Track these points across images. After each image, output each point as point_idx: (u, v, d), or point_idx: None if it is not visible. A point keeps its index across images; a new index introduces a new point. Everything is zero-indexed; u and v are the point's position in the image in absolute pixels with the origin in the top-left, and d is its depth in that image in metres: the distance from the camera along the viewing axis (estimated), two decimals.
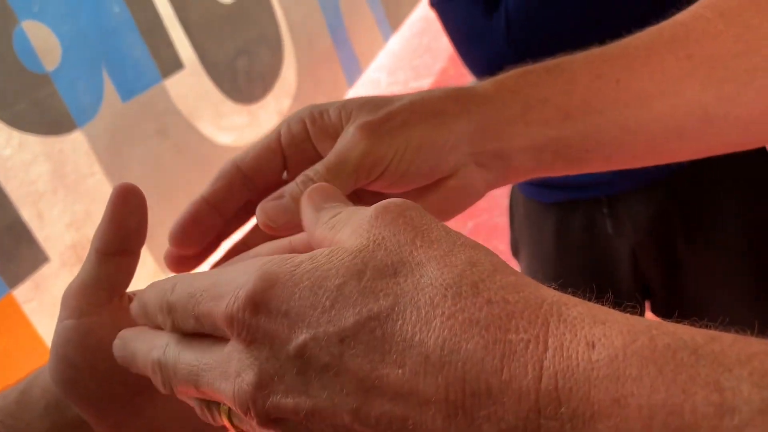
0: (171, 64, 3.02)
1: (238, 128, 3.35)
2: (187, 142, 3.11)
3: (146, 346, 0.27)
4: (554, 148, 0.38)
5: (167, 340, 0.26)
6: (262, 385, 0.22)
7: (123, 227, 0.33)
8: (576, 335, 0.19)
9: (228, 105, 3.34)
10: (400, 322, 0.21)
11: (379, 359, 0.20)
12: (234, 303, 0.22)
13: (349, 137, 0.35)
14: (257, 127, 3.53)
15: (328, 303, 0.21)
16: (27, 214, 2.32)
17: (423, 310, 0.21)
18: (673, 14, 0.42)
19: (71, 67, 2.51)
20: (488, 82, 0.39)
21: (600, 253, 0.97)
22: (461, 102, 0.37)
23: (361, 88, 4.38)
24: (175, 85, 3.02)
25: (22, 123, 2.32)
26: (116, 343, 0.30)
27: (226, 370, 0.23)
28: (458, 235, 0.24)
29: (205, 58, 3.21)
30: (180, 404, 0.36)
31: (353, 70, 4.44)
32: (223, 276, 0.24)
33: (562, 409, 0.18)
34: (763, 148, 0.97)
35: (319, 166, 0.36)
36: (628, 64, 0.38)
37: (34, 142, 2.36)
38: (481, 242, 0.24)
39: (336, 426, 0.21)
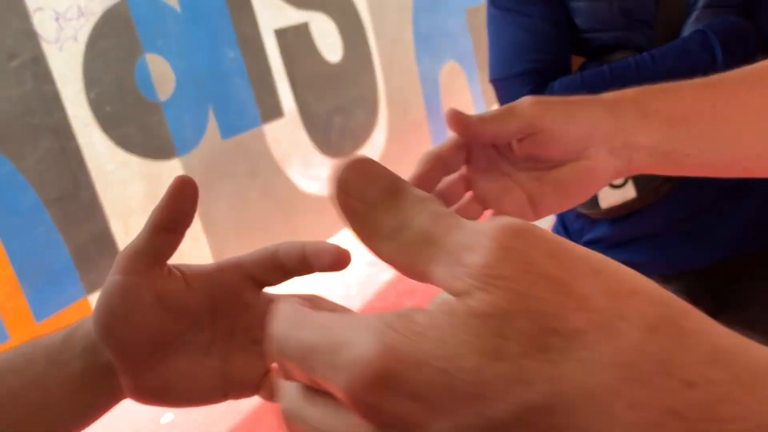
0: (272, 111, 3.19)
1: (323, 179, 3.47)
2: (274, 185, 3.23)
3: (279, 387, 0.25)
4: (662, 149, 0.46)
5: (292, 389, 0.23)
6: None
7: (176, 210, 0.39)
8: None
9: (317, 156, 3.47)
10: (570, 416, 0.16)
11: None
12: (355, 380, 0.18)
13: (520, 100, 0.45)
14: None
15: (467, 389, 0.17)
16: (115, 227, 2.46)
17: (598, 400, 0.16)
18: None
19: (181, 100, 2.71)
20: (613, 94, 0.49)
21: None
22: (601, 102, 0.47)
23: None
24: (272, 130, 3.18)
25: (127, 144, 2.50)
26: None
27: None
28: (616, 272, 0.18)
29: (304, 110, 3.38)
30: (190, 368, 0.40)
31: (442, 140, 4.51)
32: (335, 335, 0.20)
33: None
34: None
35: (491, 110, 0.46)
36: (723, 93, 0.47)
37: (135, 162, 2.53)
38: None
39: None
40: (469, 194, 0.49)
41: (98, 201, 2.42)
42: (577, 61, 0.88)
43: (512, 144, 0.46)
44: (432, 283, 0.20)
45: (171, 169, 2.67)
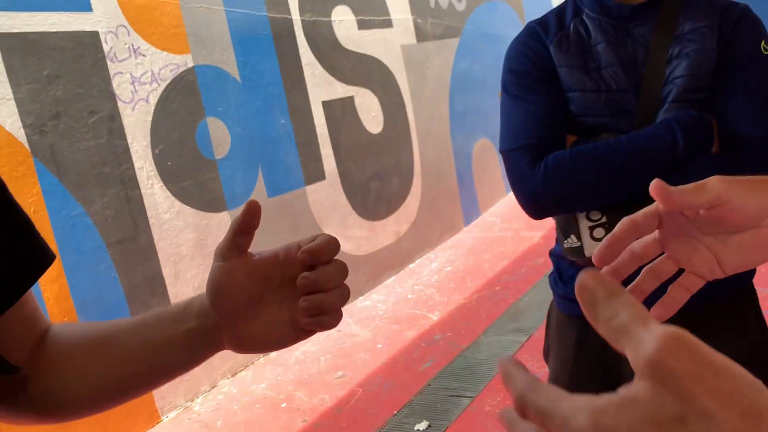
0: (315, 174, 3.44)
1: (358, 239, 3.66)
2: None
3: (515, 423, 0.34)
4: None
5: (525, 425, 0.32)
6: None
7: (248, 221, 0.57)
8: None
9: (354, 218, 3.68)
10: None
11: None
12: None
13: (710, 178, 0.51)
14: (374, 241, 3.85)
15: None
16: (167, 271, 2.67)
17: None
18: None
19: (235, 160, 2.97)
20: None
21: (612, 366, 1.09)
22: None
23: (475, 229, 4.63)
24: (314, 192, 3.41)
25: (184, 196, 2.75)
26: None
27: None
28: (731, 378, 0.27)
29: (344, 174, 3.62)
30: (269, 320, 0.60)
31: (472, 211, 4.72)
32: (564, 409, 0.29)
33: None
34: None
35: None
36: None
37: (189, 213, 2.76)
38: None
39: None
40: (663, 255, 0.55)
41: (153, 246, 2.64)
42: (570, 138, 1.08)
43: (700, 212, 0.52)
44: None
45: (220, 221, 2.90)
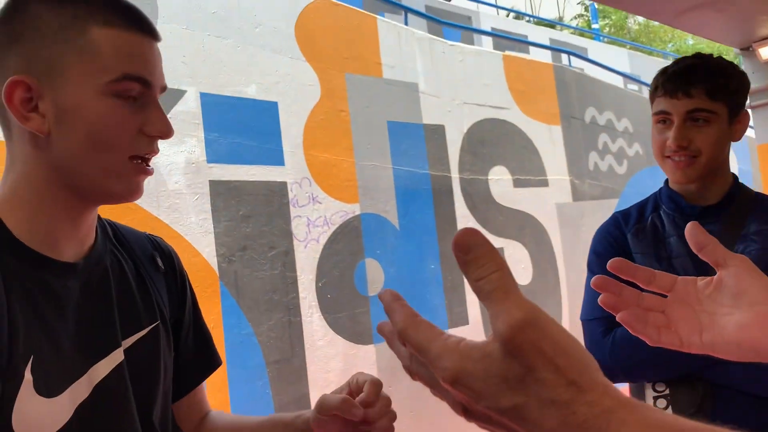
0: (459, 318, 3.61)
1: None
2: None
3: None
4: None
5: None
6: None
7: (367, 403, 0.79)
8: None
9: None
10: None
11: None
12: (444, 378, 0.36)
13: None
14: None
15: (492, 392, 0.35)
16: (314, 395, 2.93)
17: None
18: None
19: None
20: None
21: None
22: None
23: None
24: (457, 335, 3.52)
25: (337, 327, 3.05)
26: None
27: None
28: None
29: (488, 322, 3.66)
30: None
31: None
32: (436, 348, 0.37)
33: None
34: None
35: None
36: None
37: (339, 342, 3.05)
38: None
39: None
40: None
41: (305, 369, 2.93)
42: None
43: (706, 292, 0.60)
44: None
45: (366, 353, 3.14)
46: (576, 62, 6.85)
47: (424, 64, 3.68)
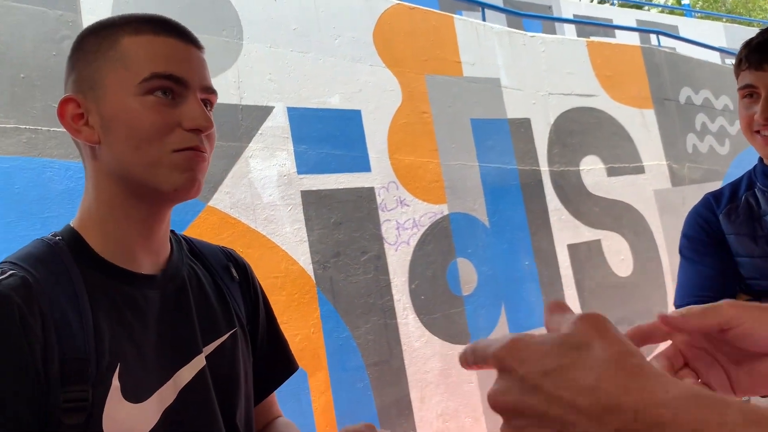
0: None
1: None
2: None
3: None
4: None
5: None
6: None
7: None
8: None
9: None
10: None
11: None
12: (504, 346, 0.40)
13: (722, 301, 0.53)
14: None
15: (535, 366, 0.38)
16: (414, 395, 2.95)
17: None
18: None
19: (480, 297, 3.24)
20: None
21: None
22: None
23: None
24: None
25: (433, 327, 3.06)
26: None
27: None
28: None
29: None
30: None
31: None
32: (492, 340, 0.42)
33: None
34: None
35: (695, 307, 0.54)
36: None
37: (436, 343, 3.06)
38: None
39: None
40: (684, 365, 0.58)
41: (404, 370, 2.96)
42: (742, 297, 1.13)
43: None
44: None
45: None
46: (666, 42, 6.54)
47: (504, 59, 3.64)
